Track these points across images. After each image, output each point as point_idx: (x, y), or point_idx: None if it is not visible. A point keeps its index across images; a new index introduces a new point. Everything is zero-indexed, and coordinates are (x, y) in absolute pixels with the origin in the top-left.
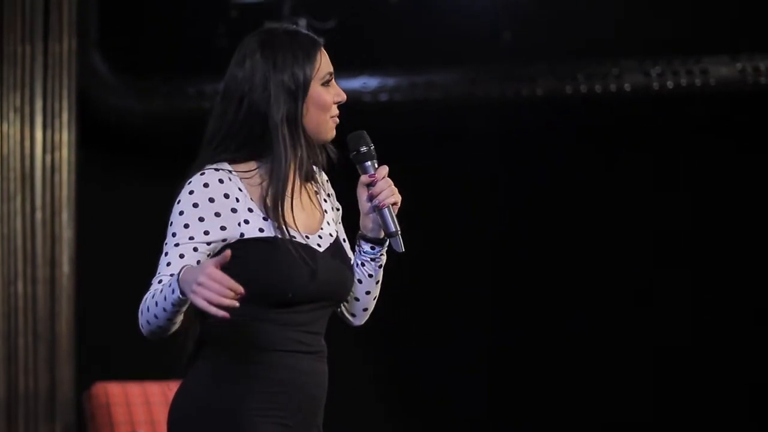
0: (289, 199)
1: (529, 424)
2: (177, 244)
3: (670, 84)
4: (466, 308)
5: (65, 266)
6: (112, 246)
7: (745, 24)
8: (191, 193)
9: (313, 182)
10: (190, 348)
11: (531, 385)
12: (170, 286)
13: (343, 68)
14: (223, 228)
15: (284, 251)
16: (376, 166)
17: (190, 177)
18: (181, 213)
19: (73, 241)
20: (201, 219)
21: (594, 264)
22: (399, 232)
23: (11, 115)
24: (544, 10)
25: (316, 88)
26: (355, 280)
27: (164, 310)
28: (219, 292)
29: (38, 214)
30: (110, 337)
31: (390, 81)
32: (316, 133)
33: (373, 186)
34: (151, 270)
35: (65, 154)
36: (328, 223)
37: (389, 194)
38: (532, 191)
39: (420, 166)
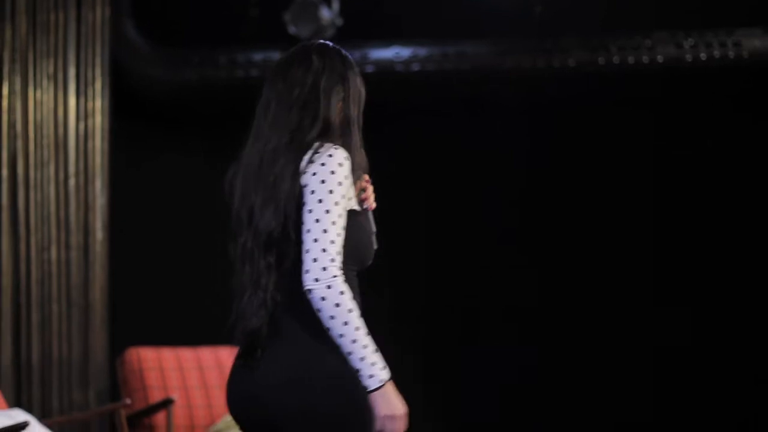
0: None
1: (529, 424)
2: (334, 222)
3: (703, 56)
4: (486, 277)
5: (99, 233)
6: (145, 213)
7: None
8: (333, 173)
9: None
10: (265, 316)
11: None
12: (374, 367)
13: (375, 38)
14: (349, 198)
15: (368, 221)
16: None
17: (327, 152)
18: (330, 192)
19: (106, 208)
20: (342, 196)
21: (615, 239)
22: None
23: (45, 82)
24: None
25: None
26: None
27: (360, 359)
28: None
29: (71, 181)
30: (143, 303)
31: (422, 51)
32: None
33: (365, 191)
34: (183, 238)
35: (98, 121)
36: None
37: (372, 200)
38: (563, 163)
39: (451, 135)
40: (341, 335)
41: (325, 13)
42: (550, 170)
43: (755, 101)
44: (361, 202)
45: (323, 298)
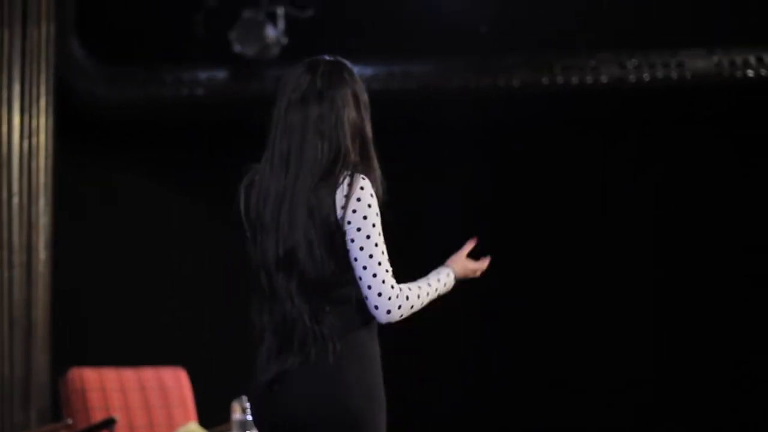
0: None
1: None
2: (383, 252)
3: (646, 77)
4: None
5: (42, 252)
6: (89, 232)
7: (722, 17)
8: (372, 196)
9: None
10: (310, 336)
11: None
12: (445, 280)
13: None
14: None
15: None
16: None
17: (357, 180)
18: (376, 215)
19: (49, 227)
20: (380, 223)
21: (569, 254)
22: None
23: None
24: (521, 3)
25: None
26: None
27: (438, 295)
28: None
29: (15, 200)
30: (86, 323)
31: (367, 70)
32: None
33: None
34: (126, 257)
35: (42, 139)
36: None
37: None
38: (507, 182)
39: (395, 156)
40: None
41: (271, 32)
42: (495, 191)
43: (698, 121)
44: None
45: (401, 315)
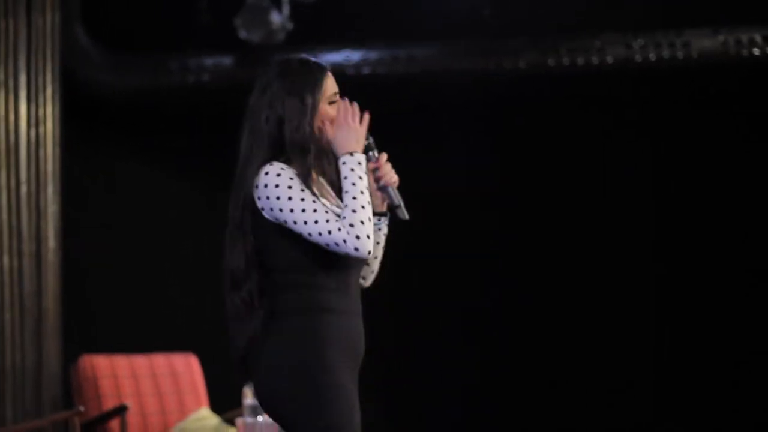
0: (320, 184)
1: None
2: (314, 201)
3: (652, 57)
4: (449, 279)
5: (51, 240)
6: (97, 219)
7: None
8: (278, 176)
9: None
10: (257, 323)
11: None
12: (346, 172)
13: (326, 42)
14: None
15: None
16: (377, 154)
17: (259, 175)
18: (289, 197)
19: (58, 215)
20: (302, 190)
21: (573, 233)
22: (402, 204)
23: None
24: None
25: (324, 108)
26: None
27: (366, 188)
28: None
29: (23, 189)
30: (96, 310)
31: (372, 54)
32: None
33: (379, 170)
34: (135, 244)
35: (50, 128)
36: None
37: (391, 175)
38: (513, 165)
39: (401, 139)
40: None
41: (276, 18)
42: (501, 173)
43: (703, 100)
44: (377, 180)
45: (367, 236)
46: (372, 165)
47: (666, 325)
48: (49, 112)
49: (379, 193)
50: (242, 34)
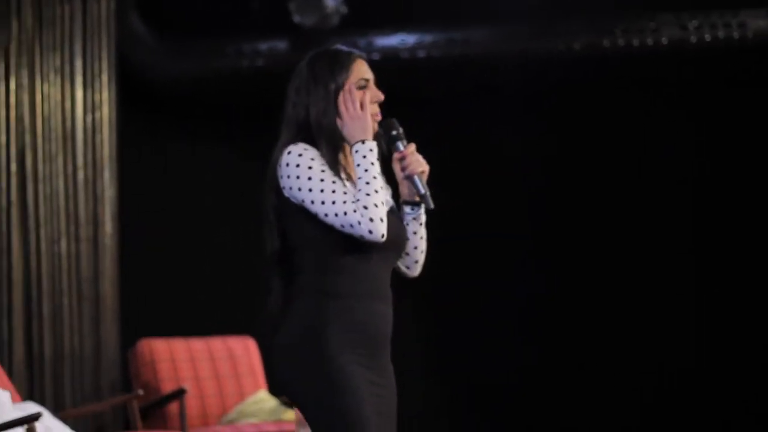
0: (347, 173)
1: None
2: (334, 182)
3: (707, 37)
4: (501, 261)
5: (108, 225)
6: (154, 204)
7: None
8: (300, 157)
9: None
10: (279, 299)
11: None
12: (364, 157)
13: (380, 25)
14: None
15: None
16: (405, 144)
17: (282, 155)
18: (309, 177)
19: (115, 200)
20: (323, 170)
21: (631, 219)
22: (428, 193)
23: (51, 75)
24: None
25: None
26: None
27: (374, 177)
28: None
29: (80, 174)
30: (154, 294)
31: (427, 37)
32: None
33: (405, 159)
34: (192, 228)
35: (106, 113)
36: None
37: (417, 165)
38: (569, 146)
39: (458, 121)
40: (381, 197)
41: (330, 2)
42: (558, 154)
43: (760, 81)
44: (403, 169)
45: (377, 219)
46: (398, 155)
47: (704, 303)
48: (105, 97)
49: (406, 183)
50: (296, 18)
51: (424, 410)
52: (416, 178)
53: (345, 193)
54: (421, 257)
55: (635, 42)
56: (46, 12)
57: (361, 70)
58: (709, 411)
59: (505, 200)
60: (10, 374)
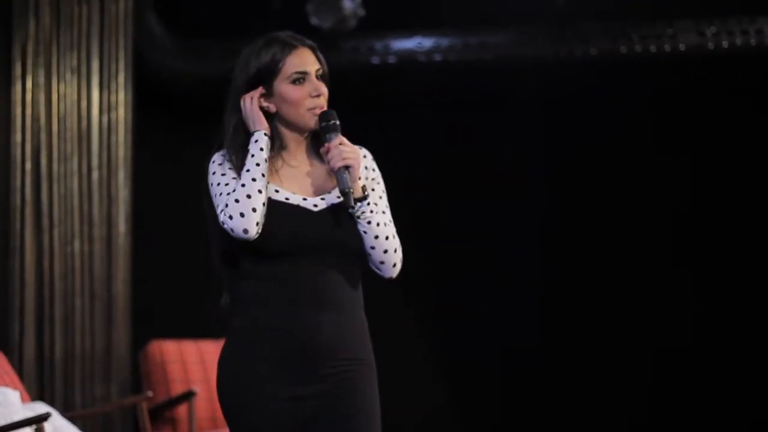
0: (290, 168)
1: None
2: (220, 193)
3: (725, 44)
4: (512, 267)
5: (121, 226)
6: (167, 205)
7: None
8: (213, 161)
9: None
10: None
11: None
12: (249, 150)
13: (397, 28)
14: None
15: (271, 212)
16: (333, 137)
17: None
18: (210, 185)
19: (129, 201)
20: (223, 174)
21: (634, 230)
22: (351, 190)
23: (68, 75)
24: None
25: (282, 87)
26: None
27: (257, 165)
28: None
29: (95, 174)
30: (166, 296)
31: (444, 41)
32: (296, 124)
33: (329, 153)
34: (205, 229)
35: (122, 114)
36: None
37: (338, 159)
38: (584, 153)
39: (473, 125)
40: (253, 190)
41: (348, 4)
42: (573, 160)
43: None
44: (328, 163)
45: (232, 229)
46: (323, 149)
47: (704, 304)
48: (121, 98)
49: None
50: (314, 20)
51: (432, 412)
52: (339, 173)
53: (228, 194)
54: (388, 258)
55: (652, 48)
56: (64, 11)
57: (296, 63)
58: (710, 415)
59: (518, 205)
60: (21, 374)
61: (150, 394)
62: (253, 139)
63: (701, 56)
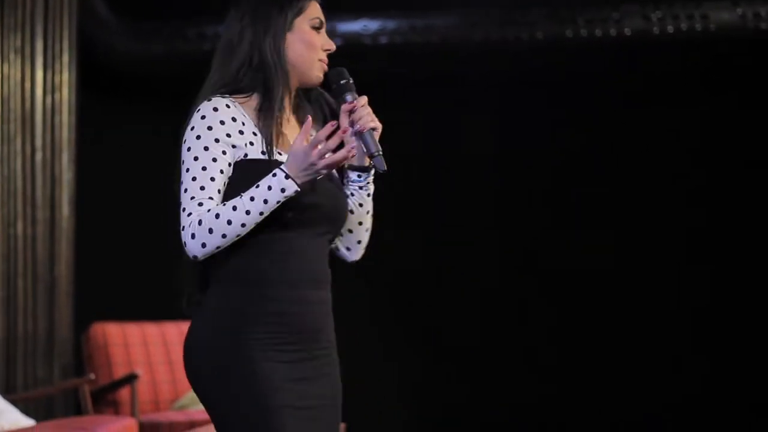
0: (285, 126)
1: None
2: (204, 168)
3: (670, 29)
4: (468, 256)
5: (65, 208)
6: (112, 188)
7: None
8: (203, 117)
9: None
10: (191, 289)
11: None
12: (269, 189)
13: (344, 10)
14: (234, 146)
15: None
16: (356, 96)
17: (197, 105)
18: (198, 137)
19: (72, 183)
20: (216, 140)
21: (589, 214)
22: (381, 153)
23: (11, 56)
24: None
25: (303, 26)
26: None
27: (260, 214)
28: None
29: (38, 156)
30: (108, 278)
31: (390, 24)
32: (302, 70)
33: (354, 113)
34: (150, 212)
35: (65, 95)
36: None
37: (369, 119)
38: (528, 137)
39: (419, 109)
40: (237, 233)
41: None
42: (519, 145)
43: (722, 74)
44: (351, 124)
45: (203, 245)
46: (347, 107)
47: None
48: (65, 79)
49: (356, 143)
50: None
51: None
52: (367, 134)
53: (203, 188)
54: (366, 237)
55: (598, 32)
56: None
57: (317, 8)
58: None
59: (462, 189)
60: None
61: (92, 376)
62: (284, 184)
63: (647, 41)
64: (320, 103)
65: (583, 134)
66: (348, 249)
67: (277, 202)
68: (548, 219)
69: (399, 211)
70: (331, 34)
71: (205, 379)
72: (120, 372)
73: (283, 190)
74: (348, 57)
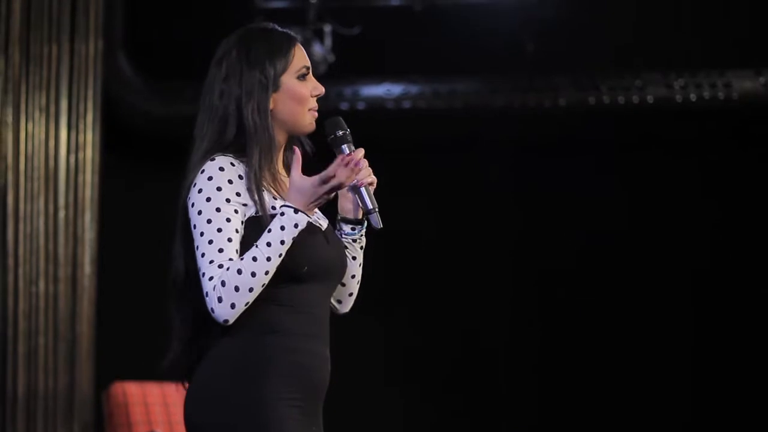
0: (280, 177)
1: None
2: (219, 229)
3: (693, 97)
4: (485, 311)
5: (87, 266)
6: (134, 247)
7: None
8: (210, 179)
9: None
10: (179, 348)
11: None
12: (282, 229)
13: (366, 75)
14: (245, 204)
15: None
16: (353, 148)
17: (201, 166)
18: (208, 200)
19: (95, 242)
20: (228, 200)
21: (611, 273)
22: (376, 209)
23: (36, 114)
24: (567, 22)
25: (290, 82)
26: None
27: (279, 256)
28: (348, 175)
29: (61, 214)
30: (130, 337)
31: (413, 89)
32: (293, 124)
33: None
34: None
35: (89, 154)
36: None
37: (366, 173)
38: (551, 203)
39: (441, 174)
40: (262, 282)
41: (318, 49)
42: (541, 210)
43: (745, 142)
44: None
45: (232, 306)
46: (344, 159)
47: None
48: (89, 138)
49: (350, 197)
50: None
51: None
52: (364, 190)
53: (222, 250)
54: (357, 289)
55: (620, 99)
56: (34, 50)
57: (301, 56)
58: None
59: (484, 254)
60: None
61: None
62: (297, 218)
63: (669, 108)
64: (299, 139)
65: (600, 201)
66: (339, 302)
67: (293, 239)
68: (562, 291)
69: (416, 268)
70: (355, 98)
71: (220, 425)
72: (140, 431)
73: (296, 225)
74: (371, 120)
